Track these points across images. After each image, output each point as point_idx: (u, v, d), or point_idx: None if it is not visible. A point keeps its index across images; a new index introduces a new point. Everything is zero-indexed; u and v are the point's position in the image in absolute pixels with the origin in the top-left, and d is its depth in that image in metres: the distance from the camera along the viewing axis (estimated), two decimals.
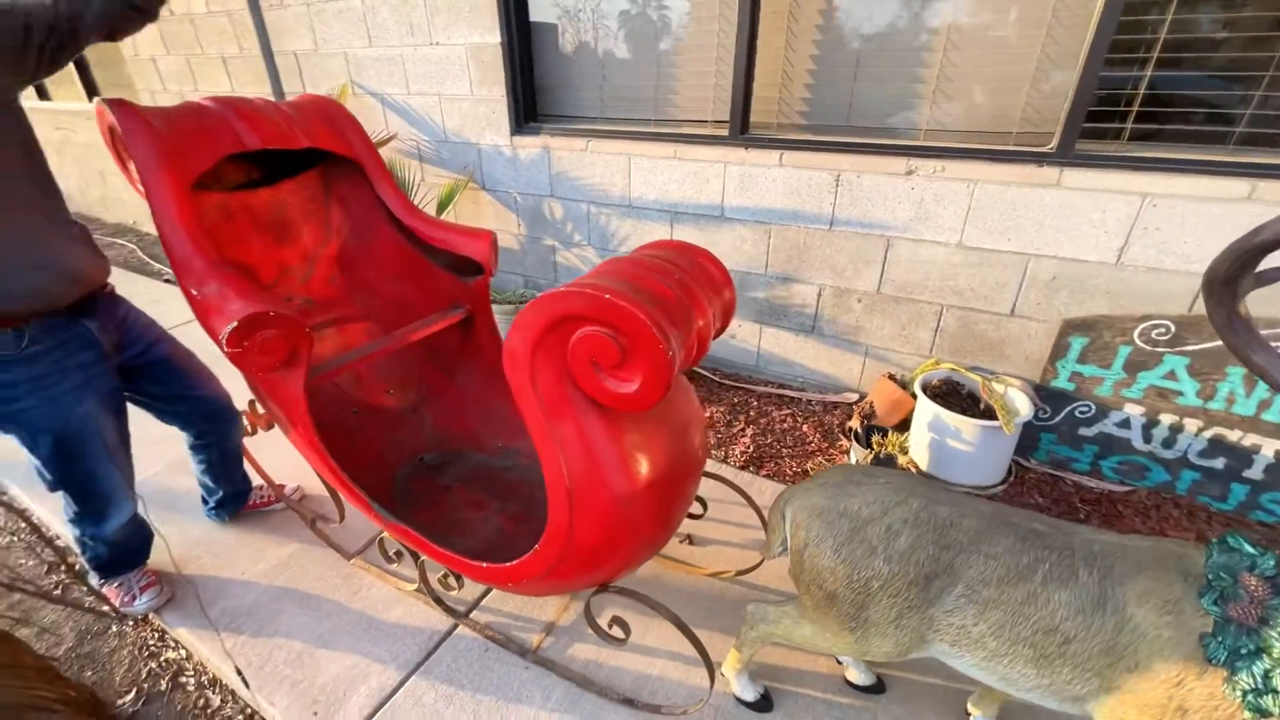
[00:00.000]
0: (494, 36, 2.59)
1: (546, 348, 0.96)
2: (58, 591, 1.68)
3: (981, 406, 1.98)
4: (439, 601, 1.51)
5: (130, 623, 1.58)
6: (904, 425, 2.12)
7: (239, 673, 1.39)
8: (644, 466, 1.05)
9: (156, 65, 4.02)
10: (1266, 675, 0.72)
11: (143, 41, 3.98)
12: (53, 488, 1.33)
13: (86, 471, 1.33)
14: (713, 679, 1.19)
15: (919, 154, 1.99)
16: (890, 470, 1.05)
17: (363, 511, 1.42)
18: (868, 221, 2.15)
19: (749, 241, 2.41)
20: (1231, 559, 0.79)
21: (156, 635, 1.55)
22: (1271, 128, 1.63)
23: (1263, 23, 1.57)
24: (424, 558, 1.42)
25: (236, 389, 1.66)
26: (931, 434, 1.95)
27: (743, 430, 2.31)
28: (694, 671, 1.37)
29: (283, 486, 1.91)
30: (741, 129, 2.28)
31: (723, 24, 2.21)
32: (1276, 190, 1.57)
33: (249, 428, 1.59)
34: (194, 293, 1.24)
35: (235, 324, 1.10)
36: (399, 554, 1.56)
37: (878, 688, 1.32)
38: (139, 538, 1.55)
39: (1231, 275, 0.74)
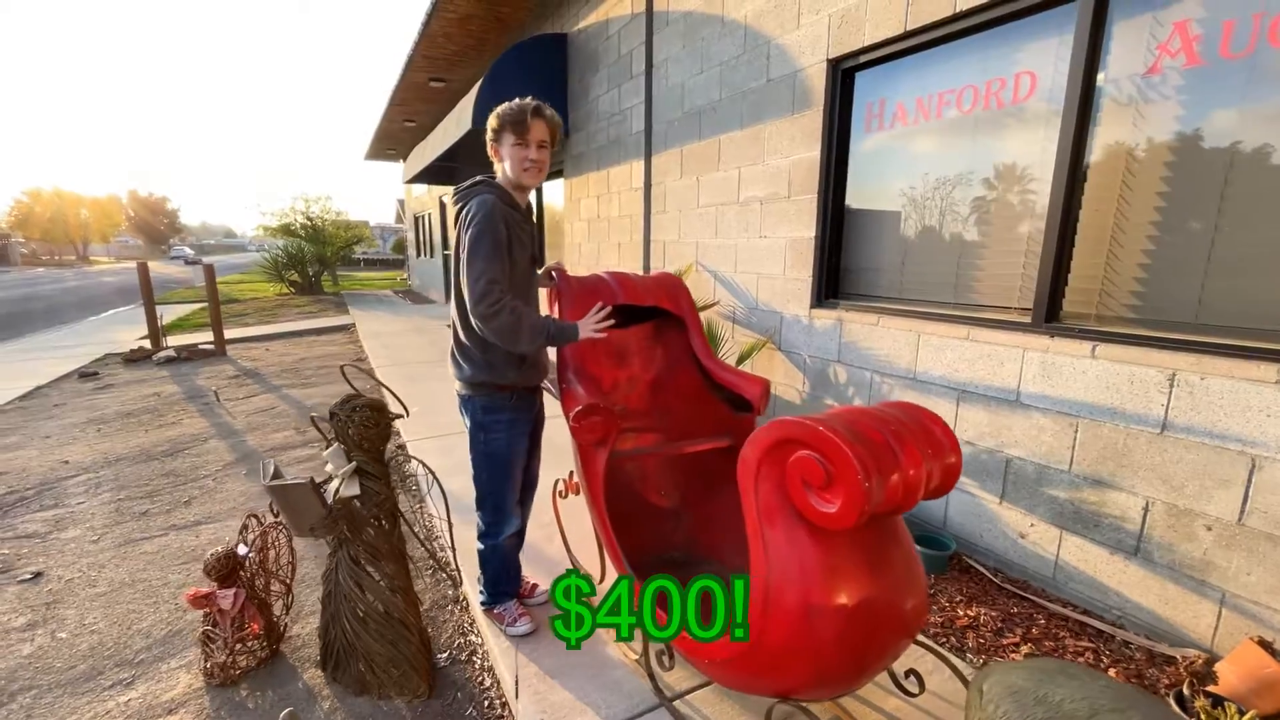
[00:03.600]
0: (809, 232, 3.15)
1: (770, 461, 1.20)
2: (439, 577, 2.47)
3: None
4: (651, 677, 1.72)
5: (459, 607, 2.22)
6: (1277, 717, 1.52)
7: (515, 681, 1.82)
8: (838, 591, 1.15)
9: (580, 249, 5.91)
10: None
11: (574, 232, 5.95)
12: (481, 500, 1.95)
13: (504, 490, 1.92)
14: None
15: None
16: (1113, 679, 0.90)
17: (618, 571, 1.78)
18: (1219, 433, 1.77)
19: (1048, 432, 2.20)
20: None
21: (470, 622, 2.14)
22: None
23: None
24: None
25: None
26: None
27: (1015, 646, 1.97)
28: None
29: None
30: (1048, 316, 2.21)
31: (1032, 209, 2.28)
32: None
33: (564, 490, 2.18)
34: (565, 386, 1.91)
35: (581, 407, 1.66)
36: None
37: None
38: (515, 565, 2.06)
39: None
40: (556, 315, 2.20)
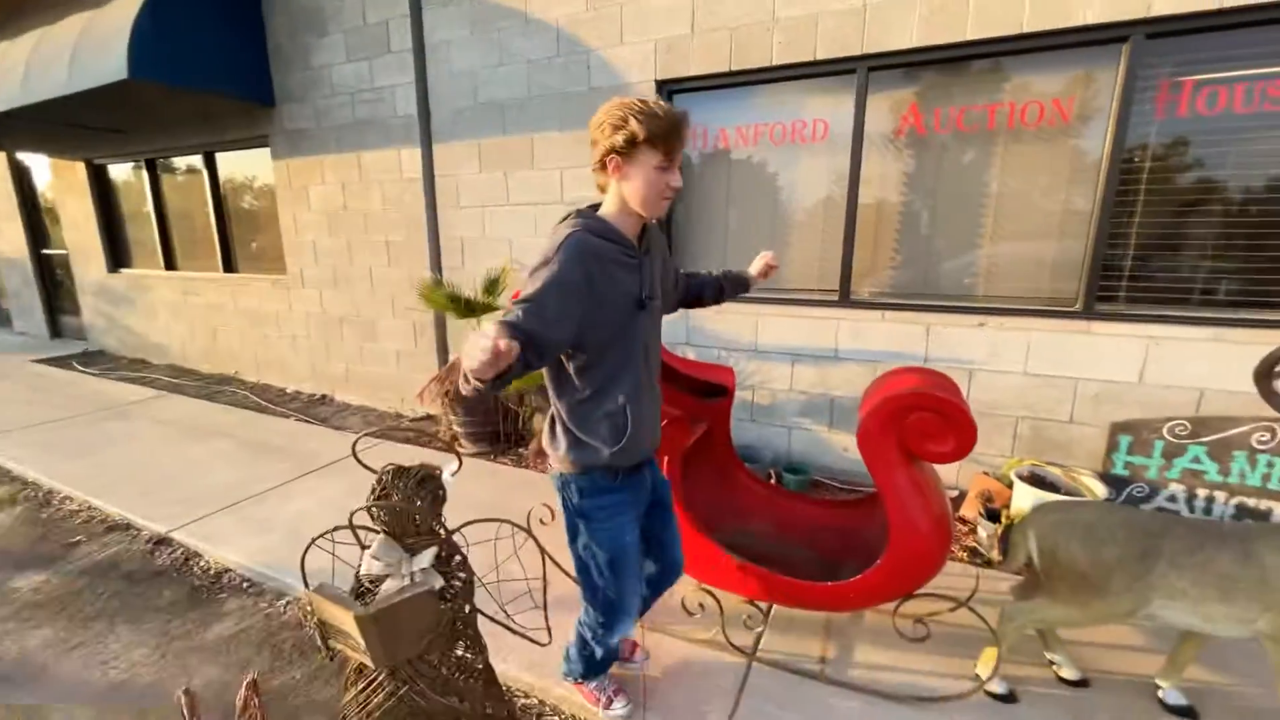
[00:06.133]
0: None
1: (889, 429, 1.63)
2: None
3: (1062, 491, 2.65)
4: (732, 645, 1.96)
5: None
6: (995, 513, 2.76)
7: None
8: (935, 504, 1.67)
9: (315, 245, 4.88)
10: None
11: (304, 225, 4.88)
12: (592, 598, 1.59)
13: (622, 589, 1.56)
14: (999, 664, 1.70)
15: (987, 313, 2.88)
16: (1084, 499, 1.71)
17: (697, 562, 1.93)
18: (954, 358, 2.98)
19: (858, 375, 3.20)
20: None
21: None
22: (1224, 293, 2.58)
23: (1211, 220, 2.59)
24: (724, 607, 1.91)
25: None
26: None
27: None
28: (954, 674, 1.84)
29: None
30: (848, 295, 3.18)
31: (830, 219, 3.20)
32: (1235, 334, 2.46)
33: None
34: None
35: (668, 420, 1.73)
36: (701, 605, 2.02)
37: (1085, 683, 1.82)
38: (614, 656, 1.75)
39: (1264, 371, 1.50)
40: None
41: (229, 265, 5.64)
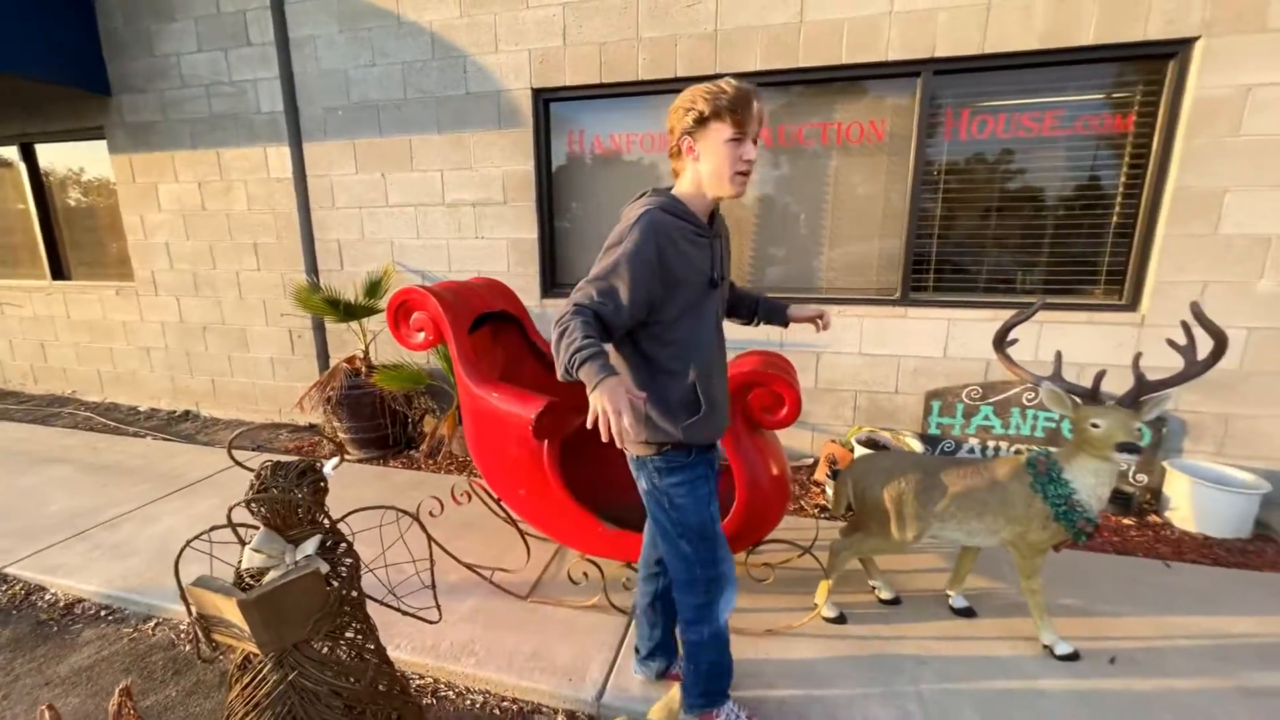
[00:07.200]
0: (531, 234, 3.69)
1: (736, 403, 1.92)
2: None
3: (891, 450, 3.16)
4: (614, 606, 2.19)
5: None
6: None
7: None
8: (776, 466, 2.00)
9: (169, 248, 4.49)
10: (1060, 495, 1.82)
11: (154, 226, 4.48)
12: (690, 579, 1.55)
13: (714, 557, 1.53)
14: (830, 593, 2.05)
15: (828, 303, 3.34)
16: (889, 451, 2.11)
17: (581, 535, 2.12)
18: (804, 344, 3.41)
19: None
20: (1035, 457, 1.92)
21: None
22: (999, 281, 3.20)
23: (988, 223, 3.19)
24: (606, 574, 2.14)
25: None
26: None
27: None
28: (799, 608, 2.18)
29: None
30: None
31: None
32: (1006, 314, 3.06)
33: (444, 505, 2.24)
34: (476, 390, 2.02)
35: (545, 405, 1.91)
36: (585, 575, 2.22)
37: (897, 601, 2.24)
38: (727, 650, 1.63)
39: (999, 339, 1.97)
40: (404, 339, 2.18)
41: (59, 272, 5.02)
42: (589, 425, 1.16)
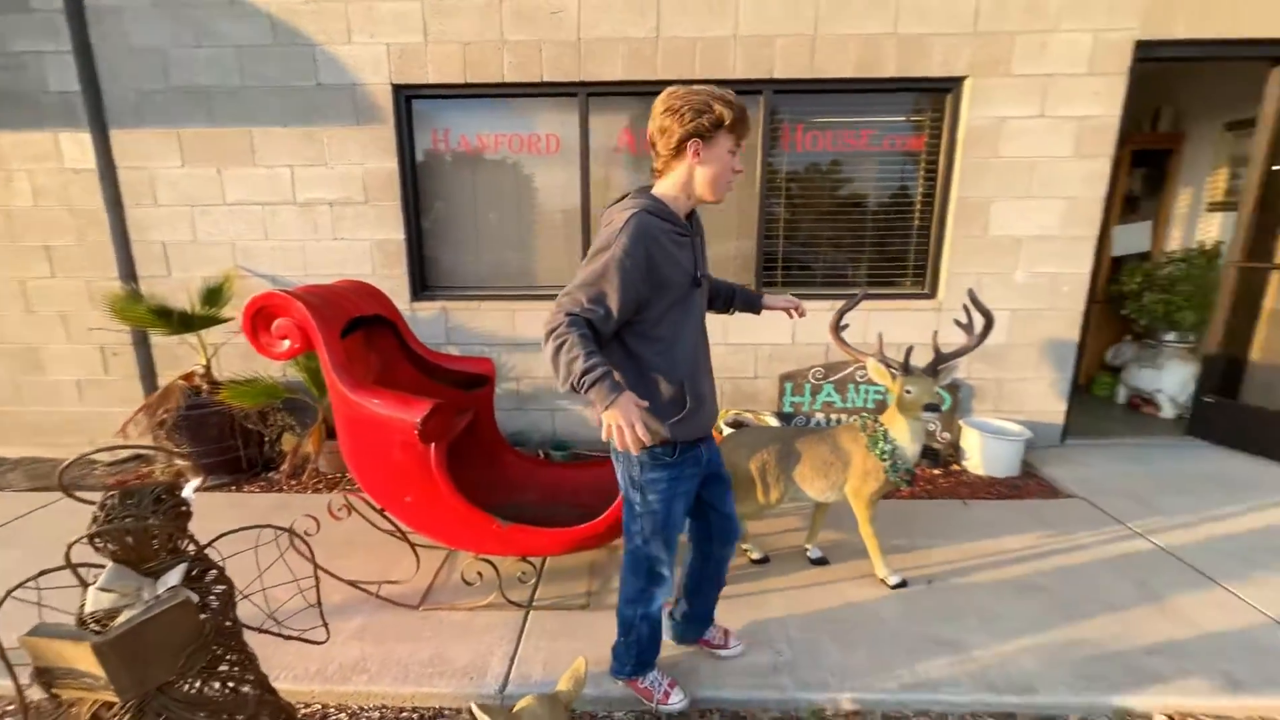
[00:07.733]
0: (398, 234, 3.55)
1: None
2: None
3: None
4: (510, 602, 2.24)
5: None
6: None
7: None
8: None
9: None
10: (887, 450, 2.20)
11: None
12: (635, 564, 1.67)
13: (660, 555, 1.65)
14: None
15: None
16: (754, 426, 2.39)
17: (474, 536, 2.14)
18: None
19: None
20: (865, 421, 2.29)
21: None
22: (835, 275, 3.69)
23: (823, 225, 3.66)
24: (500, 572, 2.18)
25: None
26: None
27: None
28: None
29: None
30: None
31: (566, 225, 3.64)
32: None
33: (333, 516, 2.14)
34: (354, 398, 1.97)
35: (431, 407, 1.91)
36: (479, 574, 2.24)
37: (766, 560, 2.54)
38: (658, 630, 1.80)
39: (834, 325, 2.32)
40: (263, 348, 2.05)
41: None
42: (604, 439, 1.29)
